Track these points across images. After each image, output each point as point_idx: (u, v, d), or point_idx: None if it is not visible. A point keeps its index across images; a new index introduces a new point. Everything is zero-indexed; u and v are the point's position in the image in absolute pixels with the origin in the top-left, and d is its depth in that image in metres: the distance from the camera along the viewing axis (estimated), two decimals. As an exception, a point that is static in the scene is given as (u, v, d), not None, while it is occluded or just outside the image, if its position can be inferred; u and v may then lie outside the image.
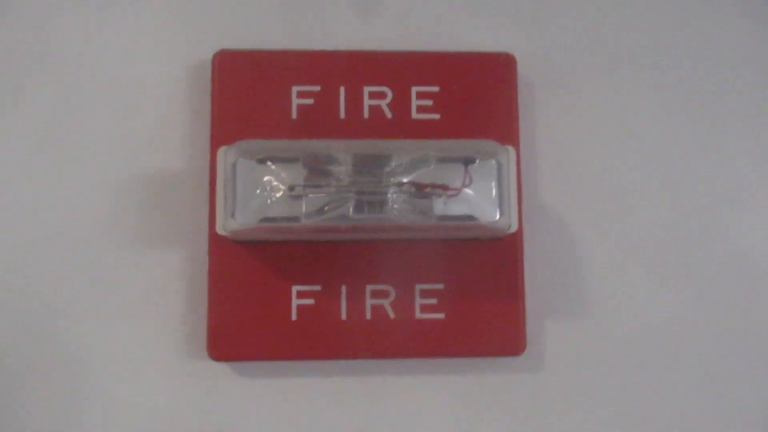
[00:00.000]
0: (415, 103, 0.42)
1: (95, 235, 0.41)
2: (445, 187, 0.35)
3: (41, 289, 0.41)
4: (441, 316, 0.40)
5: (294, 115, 0.41)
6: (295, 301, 0.40)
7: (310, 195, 0.35)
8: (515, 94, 0.42)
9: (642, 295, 0.42)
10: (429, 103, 0.42)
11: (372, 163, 0.35)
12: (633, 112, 0.44)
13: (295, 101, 0.41)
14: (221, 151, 0.37)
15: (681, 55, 0.45)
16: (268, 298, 0.40)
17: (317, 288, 0.40)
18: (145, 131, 0.42)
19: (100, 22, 0.43)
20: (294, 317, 0.40)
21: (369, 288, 0.40)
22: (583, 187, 0.43)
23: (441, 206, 0.35)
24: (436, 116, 0.42)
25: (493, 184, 0.35)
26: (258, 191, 0.36)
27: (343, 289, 0.40)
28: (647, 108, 0.44)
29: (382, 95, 0.42)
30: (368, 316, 0.40)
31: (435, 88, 0.42)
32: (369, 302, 0.40)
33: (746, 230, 0.43)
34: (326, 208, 0.35)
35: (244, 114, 0.41)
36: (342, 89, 0.42)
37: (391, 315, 0.40)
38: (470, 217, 0.36)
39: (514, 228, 0.37)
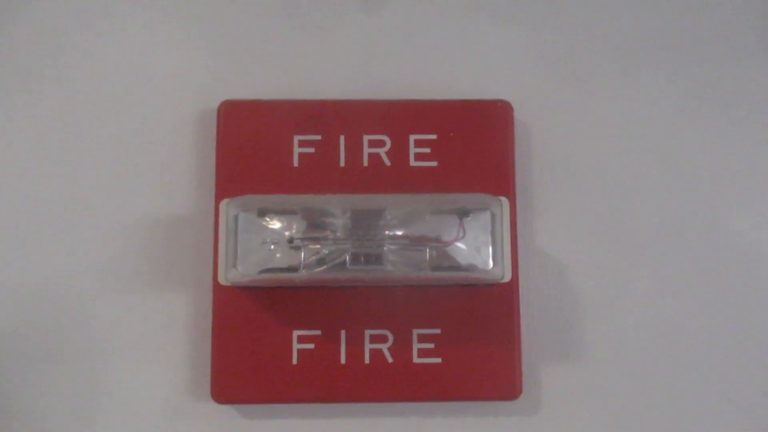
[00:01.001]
0: (413, 150, 0.43)
1: (99, 277, 0.43)
2: (438, 241, 0.36)
3: (43, 333, 0.42)
4: (438, 360, 0.41)
5: (296, 163, 0.43)
6: (296, 346, 0.41)
7: (309, 246, 0.36)
8: (512, 141, 0.43)
9: (637, 341, 0.43)
10: (427, 150, 0.43)
11: (368, 217, 0.36)
12: (630, 155, 0.45)
13: (297, 150, 0.43)
14: (223, 204, 0.38)
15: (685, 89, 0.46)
16: (270, 343, 0.41)
17: (317, 333, 0.41)
18: (152, 176, 0.44)
19: (110, 64, 0.45)
20: (295, 361, 0.41)
21: (368, 332, 0.41)
22: (578, 232, 0.44)
23: (434, 258, 0.36)
24: (434, 164, 0.43)
25: (488, 235, 0.36)
26: (258, 243, 0.37)
27: (343, 333, 0.41)
28: (643, 156, 0.45)
29: (381, 143, 0.43)
30: (367, 360, 0.41)
31: (433, 136, 0.43)
32: (368, 347, 0.41)
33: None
34: (324, 259, 0.36)
35: (247, 162, 0.43)
36: (342, 138, 0.43)
37: (389, 359, 0.41)
38: (464, 268, 0.37)
39: (507, 277, 0.38)
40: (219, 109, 0.43)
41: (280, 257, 0.37)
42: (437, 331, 0.41)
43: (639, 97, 0.45)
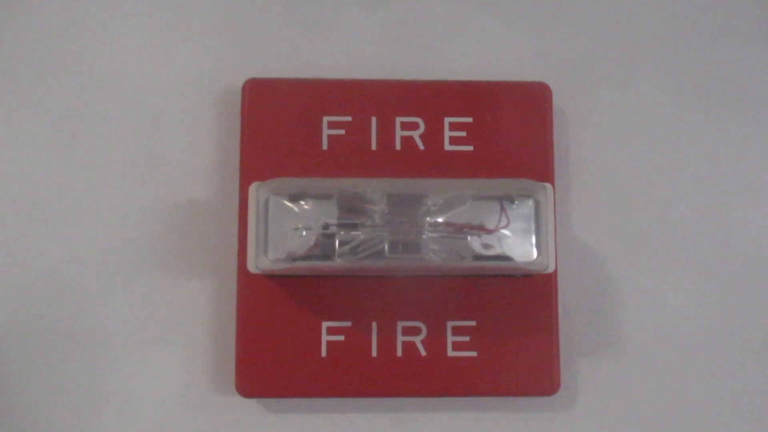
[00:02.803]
0: (448, 134, 0.41)
1: (118, 264, 0.41)
2: (481, 228, 0.34)
3: (61, 319, 0.40)
4: (473, 354, 0.39)
5: (325, 146, 0.40)
6: (325, 338, 0.39)
7: (344, 233, 0.34)
8: (551, 126, 0.41)
9: (679, 332, 0.41)
10: (462, 134, 0.41)
11: (407, 203, 0.35)
12: (670, 144, 0.43)
13: (326, 132, 0.41)
14: (253, 187, 0.36)
15: (720, 76, 0.44)
16: (298, 334, 0.39)
17: (348, 324, 0.39)
18: (173, 159, 0.42)
19: (130, 44, 0.43)
20: (324, 354, 0.39)
21: (400, 324, 0.39)
22: (618, 222, 0.42)
23: (477, 246, 0.35)
24: (470, 148, 0.41)
25: (531, 223, 0.34)
26: (290, 229, 0.35)
27: (374, 325, 0.39)
28: (686, 140, 0.43)
29: (414, 126, 0.41)
30: (399, 353, 0.39)
31: (468, 119, 0.41)
32: (400, 339, 0.39)
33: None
34: (360, 247, 0.34)
35: (274, 144, 0.40)
36: (374, 120, 0.41)
37: (423, 352, 0.39)
38: (507, 258, 0.35)
39: (551, 268, 0.36)
40: (243, 88, 0.41)
41: (314, 244, 0.35)
42: (472, 323, 0.40)
43: (679, 84, 0.43)
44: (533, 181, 0.35)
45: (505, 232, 0.34)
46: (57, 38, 0.42)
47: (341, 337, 0.39)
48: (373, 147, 0.41)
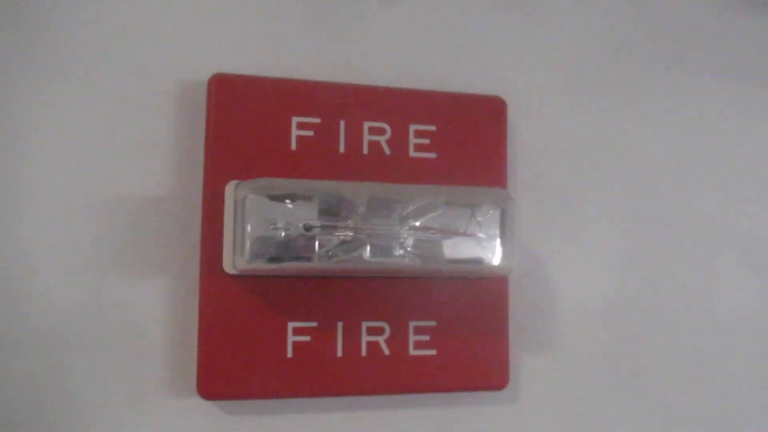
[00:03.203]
0: (413, 141, 0.42)
1: (75, 259, 0.38)
2: (455, 233, 0.36)
3: (9, 317, 0.37)
4: (433, 352, 0.41)
5: (294, 146, 0.40)
6: (291, 338, 0.39)
7: (324, 235, 0.35)
8: (505, 137, 0.44)
9: (610, 329, 0.46)
10: (426, 141, 0.43)
11: (386, 207, 0.36)
12: (605, 152, 0.47)
13: (295, 132, 0.41)
14: (231, 185, 0.36)
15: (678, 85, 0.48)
16: (264, 335, 0.39)
17: (314, 324, 0.40)
18: (132, 151, 0.40)
19: (90, 33, 0.40)
20: (290, 354, 0.39)
21: (365, 324, 0.40)
22: (558, 227, 0.46)
23: (449, 250, 0.36)
24: (433, 155, 0.42)
25: (498, 229, 0.37)
26: (269, 229, 0.35)
27: (340, 325, 0.40)
28: (632, 150, 0.47)
29: (381, 131, 0.42)
30: (364, 352, 0.40)
31: (432, 127, 0.43)
32: (365, 339, 0.40)
33: None
34: (340, 248, 0.35)
35: (240, 141, 0.40)
36: (342, 123, 0.41)
37: (386, 351, 0.41)
38: (476, 261, 0.37)
39: (515, 271, 0.39)
40: (210, 83, 0.40)
41: (293, 245, 0.35)
42: (433, 323, 0.41)
43: (634, 90, 0.48)
44: (502, 190, 0.37)
45: (476, 237, 0.36)
46: (17, 22, 0.39)
47: (307, 338, 0.39)
48: (341, 150, 0.41)
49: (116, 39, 0.40)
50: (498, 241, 0.37)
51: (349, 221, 0.35)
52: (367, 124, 0.42)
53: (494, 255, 0.37)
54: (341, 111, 0.41)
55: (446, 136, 0.43)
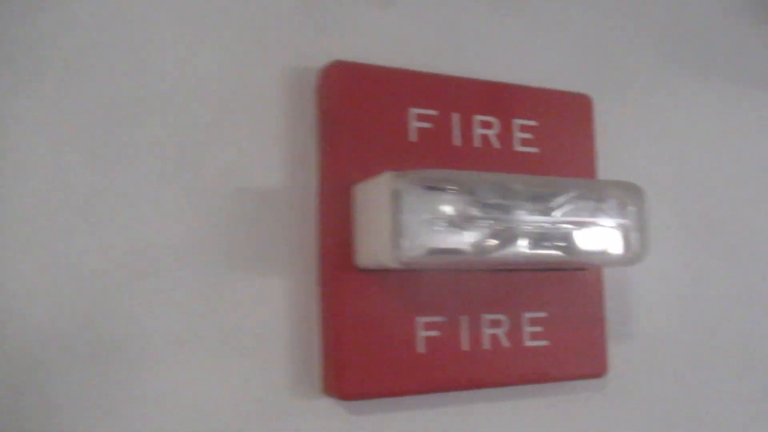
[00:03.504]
0: (517, 135, 0.43)
1: (187, 255, 0.35)
2: (604, 225, 0.37)
3: (126, 320, 0.34)
4: (546, 343, 0.42)
5: (412, 137, 0.40)
6: (422, 333, 0.38)
7: (480, 227, 0.35)
8: (593, 133, 0.46)
9: (706, 323, 0.49)
10: (529, 136, 0.43)
11: (539, 199, 0.36)
12: (696, 148, 0.50)
13: (414, 124, 0.40)
14: (387, 177, 0.34)
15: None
16: (394, 330, 0.38)
17: (441, 319, 0.39)
18: (243, 141, 0.37)
19: (195, 23, 0.37)
20: (421, 350, 0.38)
21: (485, 317, 0.40)
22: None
23: (591, 241, 0.37)
24: (535, 149, 0.43)
25: (636, 222, 0.38)
26: (426, 221, 0.34)
27: (464, 319, 0.40)
28: (714, 147, 0.51)
29: (490, 125, 0.42)
30: (486, 345, 0.40)
31: (533, 122, 0.43)
32: (486, 332, 0.40)
33: None
34: (498, 241, 0.35)
35: (359, 131, 0.38)
36: (456, 116, 0.41)
37: (505, 343, 0.41)
38: (619, 252, 0.38)
39: (643, 261, 0.40)
40: (326, 71, 0.38)
41: (448, 237, 0.34)
42: (544, 314, 0.42)
43: (707, 90, 0.51)
44: (634, 185, 0.39)
45: (622, 227, 0.37)
46: (117, 25, 0.35)
47: (436, 333, 0.39)
48: (455, 142, 0.41)
49: (226, 25, 0.38)
50: (636, 233, 0.39)
51: (506, 214, 0.35)
52: (477, 118, 0.42)
53: (631, 246, 0.39)
54: (455, 104, 0.41)
55: (545, 131, 0.44)
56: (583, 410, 0.44)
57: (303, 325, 0.38)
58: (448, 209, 0.34)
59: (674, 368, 0.48)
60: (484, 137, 0.42)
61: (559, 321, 0.43)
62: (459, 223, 0.34)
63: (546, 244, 0.36)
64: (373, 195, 0.35)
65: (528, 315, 0.42)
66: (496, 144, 0.42)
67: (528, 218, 0.35)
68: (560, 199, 0.36)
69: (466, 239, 0.35)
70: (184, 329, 0.35)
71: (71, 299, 0.33)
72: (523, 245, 0.35)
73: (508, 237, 0.35)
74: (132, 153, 0.35)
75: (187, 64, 0.37)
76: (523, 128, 0.43)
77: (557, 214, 0.37)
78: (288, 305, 0.37)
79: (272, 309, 0.37)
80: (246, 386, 0.36)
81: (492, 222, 0.35)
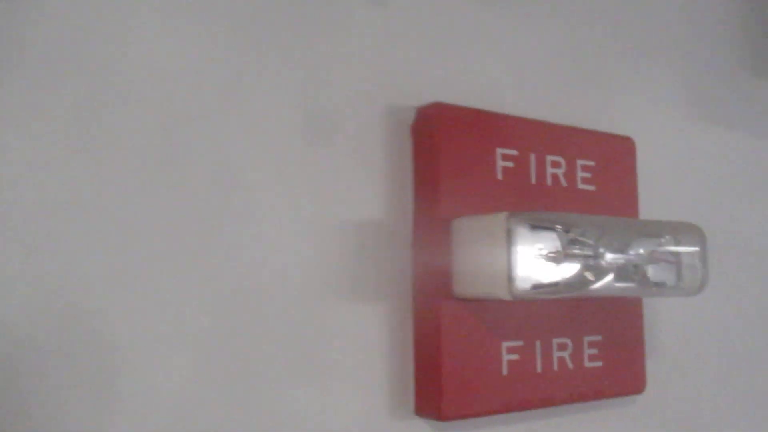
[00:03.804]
0: (579, 174, 0.47)
1: (293, 284, 0.37)
2: (670, 261, 0.42)
3: (238, 346, 0.35)
4: (600, 363, 0.46)
5: (499, 176, 0.43)
6: (506, 357, 0.42)
7: (577, 263, 0.38)
8: (635, 173, 0.51)
9: (728, 342, 0.55)
10: (588, 175, 0.48)
11: (622, 238, 0.40)
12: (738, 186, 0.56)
13: (500, 163, 0.43)
14: (502, 216, 0.37)
15: None
16: (481, 355, 0.41)
17: (520, 343, 0.43)
18: (343, 175, 0.39)
19: (312, 53, 0.39)
20: (505, 372, 0.42)
21: (555, 341, 0.44)
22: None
23: (661, 275, 0.42)
24: (593, 188, 0.48)
25: (694, 258, 0.43)
26: (533, 258, 0.37)
27: (537, 343, 0.43)
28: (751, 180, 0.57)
29: (558, 164, 0.46)
30: (555, 367, 0.44)
31: (592, 162, 0.48)
32: (555, 354, 0.44)
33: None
34: (589, 276, 0.39)
35: (453, 168, 0.41)
36: (532, 156, 0.45)
37: (570, 365, 0.45)
38: (685, 285, 0.43)
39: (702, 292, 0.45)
40: (425, 110, 0.41)
41: (550, 272, 0.38)
42: (599, 337, 0.47)
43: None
44: (698, 227, 0.44)
45: (691, 264, 0.42)
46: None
47: (516, 356, 0.42)
48: (532, 181, 0.45)
49: (331, 63, 0.40)
50: (698, 268, 0.44)
51: (598, 250, 0.39)
52: (549, 158, 0.46)
53: (694, 280, 0.43)
54: (531, 145, 0.45)
55: (600, 171, 0.48)
56: (626, 423, 0.49)
57: (398, 350, 0.40)
58: (551, 246, 0.38)
59: (701, 384, 0.54)
60: (554, 176, 0.46)
61: (610, 343, 0.47)
62: (559, 259, 0.38)
63: (627, 278, 0.40)
64: (482, 230, 0.38)
65: (587, 339, 0.46)
66: (563, 182, 0.46)
67: (614, 254, 0.40)
68: (639, 238, 0.41)
69: (564, 274, 0.38)
70: (291, 354, 0.37)
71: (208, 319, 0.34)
72: (609, 279, 0.40)
73: (599, 272, 0.39)
74: (245, 185, 0.36)
75: (291, 100, 0.38)
76: (584, 168, 0.47)
77: (635, 251, 0.41)
78: (385, 332, 0.40)
79: (370, 335, 0.39)
80: (347, 408, 0.38)
81: (587, 258, 0.39)
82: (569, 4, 0.51)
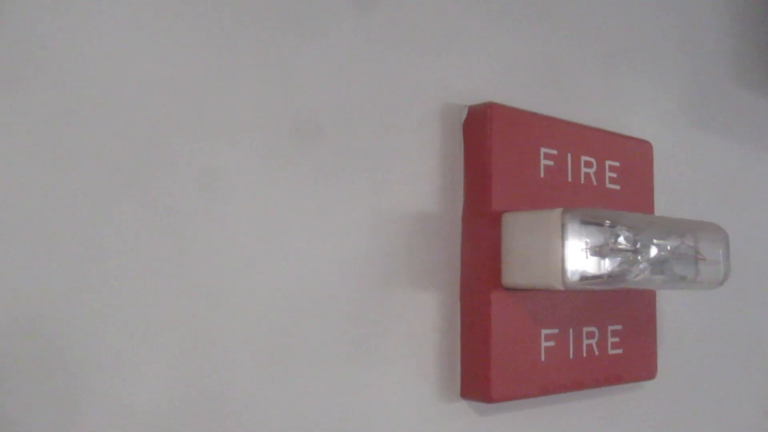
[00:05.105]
0: (608, 174, 0.50)
1: (350, 273, 0.39)
2: (702, 257, 0.45)
3: (289, 329, 0.37)
4: (621, 351, 0.50)
5: (542, 174, 0.46)
6: (544, 343, 0.45)
7: (619, 257, 0.41)
8: (652, 175, 0.54)
9: (734, 337, 0.59)
10: (614, 175, 0.51)
11: (662, 234, 0.43)
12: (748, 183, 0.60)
13: (543, 162, 0.46)
14: (557, 212, 0.40)
15: None
16: (524, 341, 0.44)
17: (556, 331, 0.45)
18: (397, 168, 0.41)
19: (372, 47, 0.40)
20: (543, 358, 0.44)
21: (584, 330, 0.47)
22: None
23: (685, 269, 0.46)
24: (618, 187, 0.51)
25: (717, 255, 0.47)
26: (582, 251, 0.40)
27: (571, 331, 0.46)
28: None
29: (590, 164, 0.49)
30: (584, 354, 0.47)
31: (617, 163, 0.51)
32: (585, 342, 0.47)
33: None
34: (629, 268, 0.42)
35: (500, 165, 0.44)
36: (569, 155, 0.48)
37: (596, 352, 0.48)
38: (712, 279, 0.47)
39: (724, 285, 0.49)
40: (476, 109, 0.43)
41: (596, 265, 0.41)
42: (620, 326, 0.50)
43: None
44: (721, 228, 0.47)
45: (718, 260, 0.46)
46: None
47: (552, 343, 0.45)
48: (569, 179, 0.47)
49: (387, 60, 0.41)
50: (721, 264, 0.47)
51: (638, 245, 0.42)
52: (583, 158, 0.49)
53: (717, 274, 0.47)
54: (568, 145, 0.48)
55: (624, 171, 0.52)
56: (640, 406, 0.53)
57: (446, 337, 0.42)
58: (598, 241, 0.41)
59: (707, 371, 0.58)
60: (587, 175, 0.49)
61: (629, 332, 0.51)
62: (604, 252, 0.41)
63: (657, 271, 0.44)
64: (536, 224, 0.41)
65: (611, 327, 0.49)
66: (594, 181, 0.49)
67: (651, 250, 0.43)
68: (672, 235, 0.44)
69: (609, 266, 0.41)
70: (347, 339, 0.38)
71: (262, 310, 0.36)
72: (647, 273, 0.43)
73: (637, 265, 0.42)
74: (311, 178, 0.38)
75: (351, 95, 0.40)
76: (611, 168, 0.51)
77: (669, 247, 0.44)
78: (434, 320, 0.42)
79: (420, 323, 0.41)
80: (398, 391, 0.40)
81: (629, 253, 0.42)
82: (600, 18, 0.54)
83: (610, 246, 0.41)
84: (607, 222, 0.41)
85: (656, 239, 0.44)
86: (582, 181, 0.48)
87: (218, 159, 0.34)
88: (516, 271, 0.42)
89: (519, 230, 0.42)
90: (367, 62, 0.40)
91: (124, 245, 0.31)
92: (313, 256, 0.37)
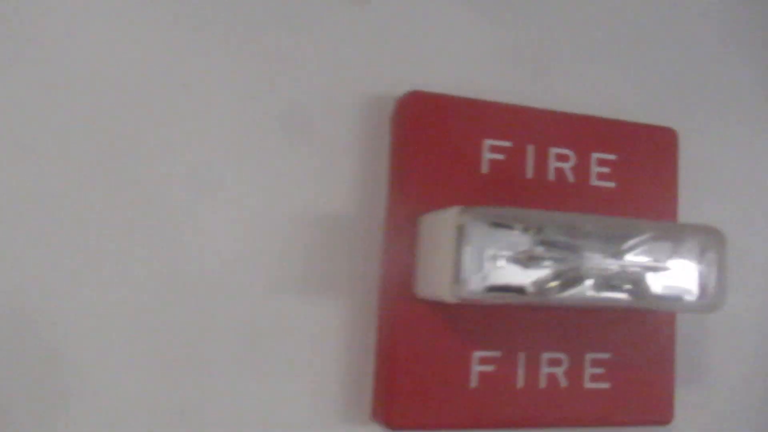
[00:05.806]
0: (594, 169, 0.42)
1: (252, 277, 0.37)
2: (675, 270, 0.36)
3: (186, 337, 0.35)
4: (606, 385, 0.41)
5: (484, 169, 0.39)
6: (476, 368, 0.38)
7: (546, 267, 0.34)
8: (677, 169, 0.44)
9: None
10: (606, 170, 0.42)
11: (607, 241, 0.35)
12: None
13: (487, 155, 0.39)
14: (453, 211, 0.34)
15: None
16: (448, 363, 0.38)
17: (497, 354, 0.39)
18: (313, 165, 0.38)
19: (285, 36, 0.38)
20: (474, 384, 0.38)
21: (545, 356, 0.40)
22: (733, 263, 0.46)
23: (661, 286, 0.36)
24: (612, 185, 0.42)
25: (709, 268, 0.36)
26: (488, 258, 0.34)
27: (521, 356, 0.39)
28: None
29: (566, 158, 0.41)
30: (542, 384, 0.39)
31: (612, 156, 0.42)
32: (544, 370, 0.39)
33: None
34: (560, 281, 0.34)
35: (429, 162, 0.38)
36: (530, 148, 0.40)
37: (563, 383, 0.40)
38: (692, 298, 0.36)
39: (720, 309, 0.38)
40: (403, 100, 0.39)
41: (510, 275, 0.34)
42: (607, 355, 0.41)
43: None
44: (714, 228, 0.37)
45: (697, 273, 0.36)
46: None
47: (491, 368, 0.38)
48: (528, 175, 0.40)
49: (305, 51, 0.39)
50: (713, 279, 0.37)
51: (573, 254, 0.34)
52: (553, 151, 0.41)
53: (707, 293, 0.37)
54: (530, 135, 0.40)
55: (625, 166, 0.42)
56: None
57: (359, 351, 0.38)
58: (512, 247, 0.34)
59: (746, 420, 0.45)
60: (559, 170, 0.41)
61: (624, 363, 0.41)
62: (523, 261, 0.34)
63: (614, 286, 0.35)
64: (438, 227, 0.35)
65: (590, 356, 0.41)
66: (570, 178, 0.41)
67: (596, 260, 0.34)
68: (633, 241, 0.35)
69: (528, 278, 0.34)
70: (244, 349, 0.36)
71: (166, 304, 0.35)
72: (588, 287, 0.34)
73: (573, 278, 0.34)
74: (211, 174, 0.37)
75: (264, 88, 0.38)
76: (601, 162, 0.42)
77: (628, 257, 0.35)
78: (347, 331, 0.38)
79: (330, 333, 0.38)
80: (297, 408, 0.37)
81: (557, 262, 0.34)
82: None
83: (531, 254, 0.34)
84: (524, 224, 0.34)
85: (612, 247, 0.35)
86: (551, 178, 0.41)
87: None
88: (424, 282, 0.37)
89: (428, 235, 0.37)
90: (282, 53, 0.38)
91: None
92: (215, 257, 0.36)
